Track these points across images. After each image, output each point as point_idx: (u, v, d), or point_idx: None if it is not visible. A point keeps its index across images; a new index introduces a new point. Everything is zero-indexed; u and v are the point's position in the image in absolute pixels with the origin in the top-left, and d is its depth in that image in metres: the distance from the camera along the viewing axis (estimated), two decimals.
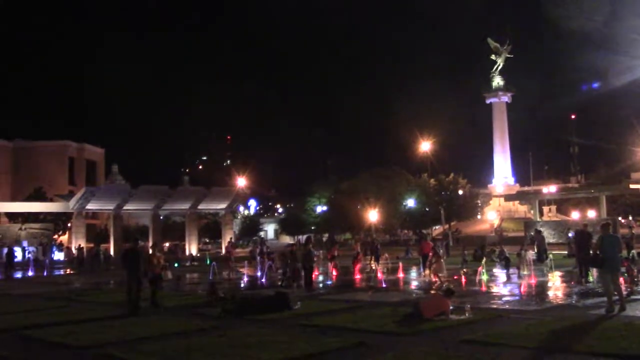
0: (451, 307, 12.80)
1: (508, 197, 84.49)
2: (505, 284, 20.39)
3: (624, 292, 14.22)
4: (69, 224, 60.89)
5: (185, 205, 56.56)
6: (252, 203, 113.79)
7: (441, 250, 31.35)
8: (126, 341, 11.26)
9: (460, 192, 76.24)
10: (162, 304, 15.88)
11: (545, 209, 78.56)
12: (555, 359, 9.13)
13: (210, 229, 79.56)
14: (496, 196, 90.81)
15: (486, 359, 9.03)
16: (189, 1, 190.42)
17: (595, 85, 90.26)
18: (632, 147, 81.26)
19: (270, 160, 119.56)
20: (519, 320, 12.10)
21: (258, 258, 31.13)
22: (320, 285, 22.29)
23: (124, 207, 54.10)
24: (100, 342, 11.20)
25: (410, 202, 73.63)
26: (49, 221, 61.89)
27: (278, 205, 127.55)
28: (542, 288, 18.38)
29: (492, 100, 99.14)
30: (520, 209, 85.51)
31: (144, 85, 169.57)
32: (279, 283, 21.78)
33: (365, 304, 15.91)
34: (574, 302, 15.08)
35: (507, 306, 14.85)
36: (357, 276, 25.17)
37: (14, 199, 72.46)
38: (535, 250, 28.84)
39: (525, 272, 22.02)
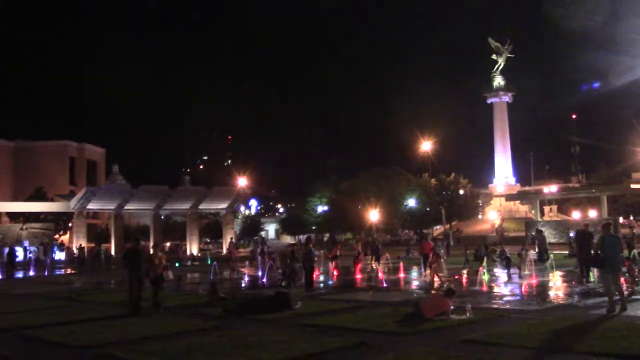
0: (452, 307, 12.80)
1: (509, 197, 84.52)
2: (506, 283, 20.38)
3: (625, 292, 14.21)
4: (69, 224, 60.93)
5: (186, 205, 56.57)
6: (253, 203, 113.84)
7: (442, 250, 31.36)
8: (127, 341, 11.26)
9: (461, 192, 76.25)
10: (162, 305, 15.86)
11: (546, 208, 78.56)
12: (556, 359, 9.12)
13: (211, 228, 79.59)
14: (497, 196, 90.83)
15: (487, 359, 9.03)
16: (189, 1, 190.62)
17: (596, 85, 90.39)
18: (633, 147, 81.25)
19: (270, 160, 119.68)
20: (520, 320, 12.09)
21: (259, 258, 31.13)
22: (321, 285, 22.29)
23: (125, 207, 54.14)
24: (101, 341, 11.20)
25: (411, 202, 73.65)
26: (50, 221, 61.99)
27: (279, 205, 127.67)
28: (543, 288, 18.37)
29: (493, 100, 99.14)
30: (521, 208, 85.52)
31: (144, 85, 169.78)
32: (280, 283, 21.77)
33: (366, 303, 15.90)
34: (575, 302, 15.07)
35: (508, 306, 14.84)
36: (358, 276, 25.18)
37: (14, 198, 72.48)
38: (536, 250, 28.82)
39: (526, 272, 22.01)
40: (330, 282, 23.18)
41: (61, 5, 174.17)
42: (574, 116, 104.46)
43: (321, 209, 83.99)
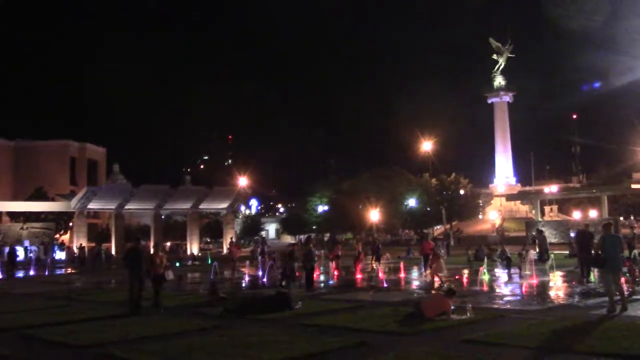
0: (452, 307, 12.79)
1: (509, 197, 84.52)
2: (506, 283, 20.37)
3: (626, 292, 14.20)
4: (70, 224, 60.96)
5: (186, 205, 56.59)
6: (254, 203, 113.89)
7: (442, 250, 31.34)
8: (127, 340, 11.26)
9: (462, 191, 76.25)
10: (162, 304, 15.85)
11: (547, 208, 78.54)
12: (556, 359, 9.12)
13: (212, 228, 79.62)
14: (497, 196, 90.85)
15: (487, 359, 9.03)
16: (189, 1, 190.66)
17: (596, 85, 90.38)
18: (634, 147, 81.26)
19: (270, 160, 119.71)
20: (520, 320, 12.09)
21: (259, 258, 31.12)
22: (322, 285, 22.29)
23: (126, 207, 54.17)
24: (101, 341, 11.20)
25: (412, 202, 73.63)
26: (51, 220, 62.01)
27: (279, 205, 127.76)
28: (543, 288, 18.36)
29: (494, 100, 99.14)
30: (522, 208, 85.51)
31: (144, 85, 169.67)
32: (280, 283, 21.76)
33: (366, 303, 15.90)
34: (575, 302, 15.07)
35: (508, 306, 14.84)
36: (359, 276, 25.17)
37: (15, 198, 72.49)
38: (537, 250, 28.82)
39: (527, 272, 22.00)
40: (330, 282, 23.18)
41: (61, 5, 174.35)
42: (574, 116, 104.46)
43: (321, 208, 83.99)
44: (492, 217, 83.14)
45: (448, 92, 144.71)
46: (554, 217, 76.20)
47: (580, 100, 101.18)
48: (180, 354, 9.92)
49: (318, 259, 27.43)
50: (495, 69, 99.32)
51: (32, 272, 35.67)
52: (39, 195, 65.27)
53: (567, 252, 32.62)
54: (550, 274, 21.77)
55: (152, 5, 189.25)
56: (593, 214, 67.24)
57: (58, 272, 36.99)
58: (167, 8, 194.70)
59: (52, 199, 63.35)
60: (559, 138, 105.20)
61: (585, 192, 72.92)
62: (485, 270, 20.99)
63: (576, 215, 71.05)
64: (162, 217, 60.10)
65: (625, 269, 16.95)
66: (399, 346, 10.02)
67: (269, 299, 15.24)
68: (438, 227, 76.70)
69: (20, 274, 34.77)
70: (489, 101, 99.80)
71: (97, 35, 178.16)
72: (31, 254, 45.82)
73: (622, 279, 14.52)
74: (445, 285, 17.56)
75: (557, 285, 19.20)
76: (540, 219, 65.22)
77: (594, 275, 18.70)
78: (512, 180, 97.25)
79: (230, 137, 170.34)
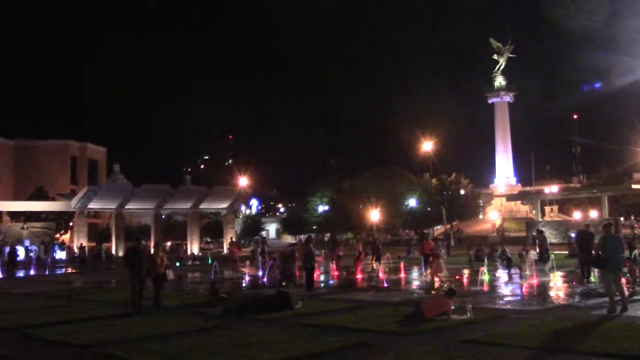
0: (452, 307, 12.79)
1: (510, 197, 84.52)
2: (506, 284, 20.36)
3: (626, 293, 14.19)
4: (70, 223, 60.97)
5: (187, 205, 56.58)
6: (254, 202, 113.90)
7: (442, 250, 31.35)
8: (128, 340, 11.26)
9: (462, 192, 76.23)
10: (162, 304, 15.84)
11: (547, 209, 78.52)
12: (557, 359, 9.12)
13: (212, 228, 79.62)
14: (498, 196, 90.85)
15: (487, 359, 9.03)
16: (189, 1, 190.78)
17: (597, 85, 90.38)
18: (634, 147, 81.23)
19: (270, 160, 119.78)
20: (521, 320, 12.08)
21: (259, 258, 31.11)
22: (322, 284, 22.29)
23: (126, 207, 54.14)
24: (102, 341, 11.20)
25: (412, 202, 73.62)
26: (51, 220, 62.03)
27: (280, 205, 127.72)
28: (543, 288, 18.35)
29: (494, 100, 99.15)
30: (522, 209, 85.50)
31: (144, 85, 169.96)
32: (280, 283, 21.76)
33: (366, 303, 15.90)
34: (575, 302, 15.06)
35: (508, 306, 14.84)
36: (359, 276, 25.16)
37: (15, 198, 72.53)
38: (537, 250, 28.81)
39: (527, 272, 22.00)
40: (330, 282, 23.18)
41: (61, 5, 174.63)
42: (575, 116, 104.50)
43: (322, 208, 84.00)
44: (492, 217, 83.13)
45: (448, 92, 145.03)
46: (554, 217, 76.20)
47: (580, 101, 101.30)
48: (180, 353, 9.93)
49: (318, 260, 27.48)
50: (496, 69, 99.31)
51: (32, 272, 35.69)
52: (39, 194, 65.29)
53: (567, 252, 32.59)
54: (551, 274, 21.77)
55: (152, 5, 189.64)
56: (593, 214, 67.21)
57: (58, 271, 37.00)
58: (167, 8, 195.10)
59: (53, 199, 63.36)
60: (560, 138, 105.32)
61: (585, 192, 72.89)
62: (485, 271, 20.99)
63: (576, 215, 71.03)
64: (163, 216, 60.10)
65: (625, 270, 16.95)
66: (399, 346, 10.02)
67: (269, 299, 15.25)
68: (438, 227, 76.69)
69: (21, 274, 34.79)
70: (490, 101, 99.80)
71: (97, 35, 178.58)
72: (31, 254, 45.83)
73: (623, 280, 14.52)
74: (445, 286, 17.56)
75: (558, 286, 19.19)
76: (540, 219, 65.20)
77: (595, 275, 18.70)
78: (513, 180, 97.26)
79: (230, 137, 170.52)
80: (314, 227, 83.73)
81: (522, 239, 47.57)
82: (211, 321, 13.31)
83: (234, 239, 45.24)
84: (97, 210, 61.47)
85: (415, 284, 22.04)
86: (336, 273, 25.52)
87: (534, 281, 19.90)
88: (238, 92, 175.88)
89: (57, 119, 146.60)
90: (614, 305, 12.91)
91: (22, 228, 55.62)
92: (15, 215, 62.81)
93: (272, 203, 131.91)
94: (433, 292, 17.82)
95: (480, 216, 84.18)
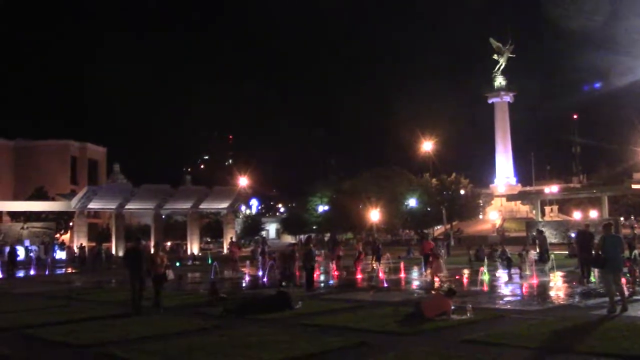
0: (452, 307, 12.79)
1: (510, 197, 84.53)
2: (506, 284, 20.36)
3: (626, 293, 14.19)
4: (70, 223, 60.96)
5: (187, 205, 56.59)
6: (254, 202, 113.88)
7: (442, 251, 31.36)
8: (128, 340, 11.26)
9: (462, 192, 76.23)
10: (162, 304, 15.85)
11: (547, 209, 78.53)
12: (557, 359, 9.12)
13: (212, 228, 79.62)
14: (498, 196, 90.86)
15: (487, 359, 9.03)
16: (189, 1, 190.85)
17: (597, 85, 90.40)
18: (634, 147, 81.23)
19: (270, 160, 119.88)
20: (521, 321, 12.08)
21: (259, 258, 31.11)
22: (322, 284, 22.29)
23: (126, 207, 54.15)
24: (102, 341, 11.20)
25: (412, 202, 73.63)
26: (51, 220, 62.03)
27: (280, 205, 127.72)
28: (543, 288, 18.35)
29: (495, 100, 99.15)
30: (522, 209, 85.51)
31: (144, 85, 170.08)
32: (280, 284, 21.77)
33: (366, 303, 15.90)
34: (575, 302, 15.06)
35: (508, 306, 14.84)
36: (359, 276, 25.16)
37: (15, 198, 72.53)
38: (537, 250, 28.81)
39: (527, 272, 22.00)
40: (330, 282, 23.18)
41: (61, 5, 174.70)
42: (575, 116, 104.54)
43: (322, 208, 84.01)
44: (492, 217, 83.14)
45: (448, 92, 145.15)
46: (554, 217, 76.20)
47: (580, 101, 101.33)
48: (180, 353, 9.93)
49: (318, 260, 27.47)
50: (496, 69, 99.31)
51: (32, 272, 35.69)
52: (39, 194, 65.28)
53: (567, 252, 32.58)
54: (551, 274, 21.77)
55: (152, 5, 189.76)
56: (593, 214, 67.21)
57: (58, 271, 37.00)
58: (167, 8, 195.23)
59: (53, 199, 63.35)
60: (560, 138, 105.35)
61: (585, 192, 72.90)
62: (485, 271, 20.98)
63: (576, 215, 71.06)
64: (163, 216, 60.10)
65: (625, 270, 16.94)
66: (399, 346, 10.02)
67: (269, 299, 15.25)
68: (438, 227, 76.69)
69: (21, 274, 34.79)
70: (490, 101, 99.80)
71: (97, 35, 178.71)
72: (31, 254, 45.83)
73: (623, 280, 14.52)
74: (445, 286, 17.56)
75: (558, 286, 19.18)
76: (540, 219, 65.20)
77: (595, 275, 18.70)
78: (513, 180, 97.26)
79: (230, 137, 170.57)
80: (314, 227, 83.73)
81: (522, 239, 47.56)
82: (211, 321, 13.31)
83: (234, 239, 45.21)
84: (97, 210, 61.47)
85: (415, 284, 22.04)
86: (336, 273, 25.52)
87: (534, 281, 19.90)
88: (238, 92, 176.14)
89: (57, 119, 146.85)
90: (614, 305, 12.91)
91: (22, 228, 55.62)
92: (15, 215, 62.81)
93: (272, 203, 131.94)
94: (433, 292, 17.82)
95: (480, 216, 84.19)
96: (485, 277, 20.48)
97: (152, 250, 20.71)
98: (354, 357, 9.71)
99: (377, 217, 68.88)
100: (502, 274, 23.19)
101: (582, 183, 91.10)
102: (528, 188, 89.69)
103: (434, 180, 76.50)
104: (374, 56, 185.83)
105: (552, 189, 77.76)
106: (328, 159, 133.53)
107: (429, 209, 73.54)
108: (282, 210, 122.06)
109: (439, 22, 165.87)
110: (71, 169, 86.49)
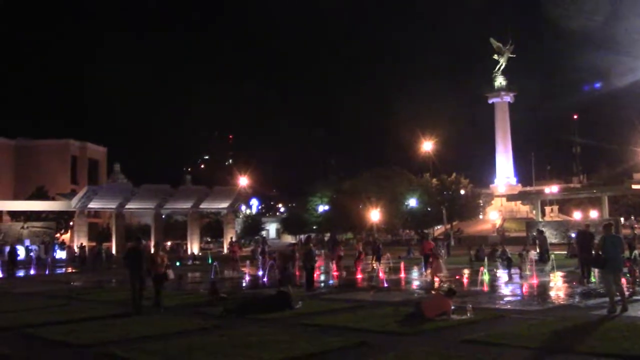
0: (453, 307, 12.79)
1: (510, 197, 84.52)
2: (507, 284, 20.36)
3: (626, 293, 14.20)
4: (71, 223, 60.97)
5: (187, 204, 56.60)
6: (254, 202, 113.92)
7: (442, 251, 31.35)
8: (128, 340, 11.26)
9: (462, 192, 76.24)
10: (162, 304, 15.85)
11: (547, 209, 78.53)
12: (556, 359, 9.12)
13: (212, 228, 79.64)
14: (498, 196, 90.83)
15: (488, 359, 9.03)
16: (189, 1, 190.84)
17: (597, 85, 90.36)
18: (634, 147, 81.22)
19: (270, 160, 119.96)
20: (521, 321, 12.08)
21: (260, 257, 31.12)
22: (322, 284, 22.29)
23: (126, 206, 54.17)
24: (102, 340, 11.20)
25: (412, 202, 73.63)
26: (51, 220, 61.98)
27: (280, 205, 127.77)
28: (544, 288, 18.35)
29: (495, 100, 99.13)
30: (522, 209, 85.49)
31: (144, 85, 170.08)
32: (280, 284, 21.76)
33: (366, 303, 15.90)
34: (576, 302, 15.06)
35: (508, 306, 14.84)
36: (359, 276, 25.17)
37: (16, 197, 72.47)
38: (537, 250, 28.81)
39: (527, 272, 22.00)
40: (330, 282, 23.18)
41: (61, 5, 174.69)
42: (575, 116, 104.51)
43: (322, 208, 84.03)
44: (492, 217, 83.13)
45: (448, 92, 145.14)
46: (554, 217, 76.20)
47: (580, 101, 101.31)
48: (180, 353, 9.93)
49: (319, 259, 27.45)
50: (496, 69, 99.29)
51: (32, 272, 35.71)
52: (39, 194, 65.25)
53: (567, 252, 32.57)
54: (551, 275, 21.77)
55: (152, 5, 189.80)
56: (594, 214, 67.22)
57: (58, 271, 37.01)
58: (167, 8, 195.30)
59: (53, 198, 63.34)
60: (560, 138, 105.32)
61: (585, 192, 72.89)
62: (485, 271, 20.98)
63: (577, 215, 71.06)
64: (163, 216, 60.12)
65: (625, 270, 16.95)
66: (399, 346, 10.02)
67: (269, 299, 15.25)
68: (438, 227, 76.69)
69: (21, 273, 34.80)
70: (490, 101, 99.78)
71: (97, 35, 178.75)
72: (32, 253, 45.84)
73: (623, 280, 14.52)
74: (445, 286, 17.56)
75: (558, 286, 19.19)
76: (540, 220, 65.21)
77: (595, 275, 18.70)
78: (513, 180, 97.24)
79: (230, 137, 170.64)
80: (314, 227, 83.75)
81: (522, 239, 47.58)
82: (211, 321, 13.31)
83: (234, 239, 45.25)
84: (98, 209, 61.49)
85: (416, 284, 22.04)
86: (336, 273, 25.52)
87: (534, 281, 19.90)
88: (238, 92, 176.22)
89: (57, 119, 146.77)
90: (614, 305, 12.91)
91: (23, 227, 55.59)
92: (15, 215, 62.77)
93: (272, 203, 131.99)
94: (433, 292, 17.82)
95: (481, 216, 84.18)
96: (486, 277, 20.48)
97: (153, 250, 20.70)
98: (354, 357, 9.70)
99: (377, 217, 68.88)
100: (502, 274, 23.20)
101: (582, 183, 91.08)
102: (528, 188, 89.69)
103: (434, 180, 76.50)
104: (374, 56, 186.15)
105: (552, 189, 77.75)
106: (328, 159, 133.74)
107: (429, 209, 73.54)
108: (282, 210, 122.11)
109: (439, 22, 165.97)
110: (71, 168, 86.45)
